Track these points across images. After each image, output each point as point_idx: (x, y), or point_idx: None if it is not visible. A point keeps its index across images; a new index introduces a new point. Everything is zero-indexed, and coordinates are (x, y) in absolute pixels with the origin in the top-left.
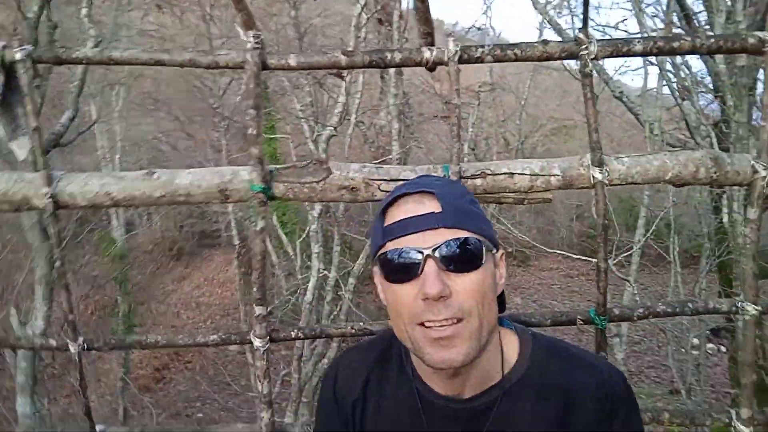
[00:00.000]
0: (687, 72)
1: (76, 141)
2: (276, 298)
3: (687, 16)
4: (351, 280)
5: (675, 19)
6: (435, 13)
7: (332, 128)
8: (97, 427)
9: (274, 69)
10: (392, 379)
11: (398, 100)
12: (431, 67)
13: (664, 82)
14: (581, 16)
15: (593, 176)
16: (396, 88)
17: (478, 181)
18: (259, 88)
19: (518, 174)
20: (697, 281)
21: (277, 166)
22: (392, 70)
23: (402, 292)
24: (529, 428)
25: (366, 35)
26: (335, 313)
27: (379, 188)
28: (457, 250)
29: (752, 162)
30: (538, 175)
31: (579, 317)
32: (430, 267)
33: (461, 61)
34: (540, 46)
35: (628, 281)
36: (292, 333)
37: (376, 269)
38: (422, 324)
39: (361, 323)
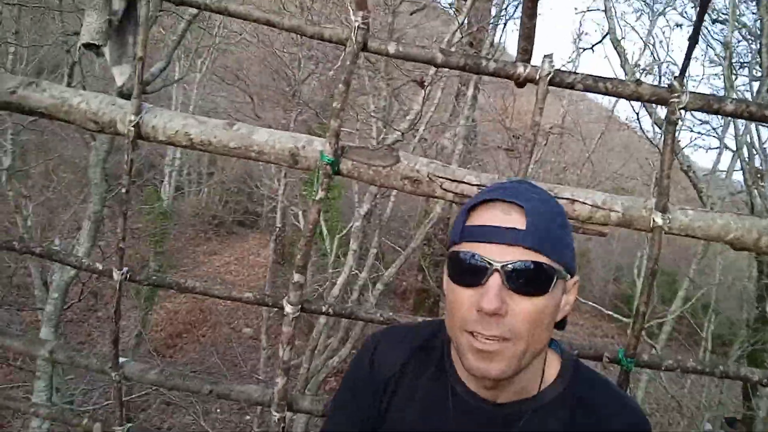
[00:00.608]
0: (762, 158)
1: (154, 95)
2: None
3: None
4: (379, 286)
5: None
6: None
7: (400, 133)
8: (120, 359)
9: (373, 52)
10: (430, 369)
11: (468, 122)
12: (521, 82)
13: (737, 167)
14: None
15: (654, 220)
16: (470, 110)
17: None
18: (354, 66)
19: (580, 202)
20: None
21: (350, 144)
22: (470, 93)
23: (461, 295)
24: None
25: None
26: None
27: (441, 186)
28: (526, 272)
29: None
30: (599, 207)
31: (606, 355)
32: (494, 281)
33: (552, 82)
34: (632, 85)
35: (655, 348)
36: (322, 307)
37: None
38: (471, 333)
39: (391, 313)
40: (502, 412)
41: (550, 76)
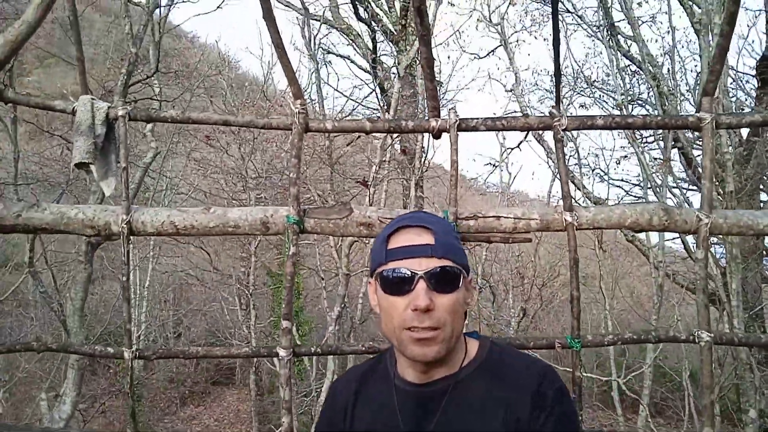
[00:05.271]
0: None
1: None
2: None
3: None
4: None
5: None
6: None
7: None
8: None
9: (315, 131)
10: (377, 380)
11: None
12: (437, 134)
13: None
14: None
15: (565, 220)
16: (416, 198)
17: (471, 222)
18: (301, 143)
19: (504, 217)
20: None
21: (310, 206)
22: (413, 184)
23: (396, 302)
24: (476, 407)
25: (390, 159)
26: None
27: None
28: (442, 274)
29: (697, 213)
30: (520, 218)
31: (557, 342)
32: (421, 285)
33: (460, 129)
34: (522, 118)
35: (641, 402)
36: (311, 348)
37: (372, 281)
38: (409, 329)
39: (370, 342)
40: (433, 389)
41: (457, 123)
